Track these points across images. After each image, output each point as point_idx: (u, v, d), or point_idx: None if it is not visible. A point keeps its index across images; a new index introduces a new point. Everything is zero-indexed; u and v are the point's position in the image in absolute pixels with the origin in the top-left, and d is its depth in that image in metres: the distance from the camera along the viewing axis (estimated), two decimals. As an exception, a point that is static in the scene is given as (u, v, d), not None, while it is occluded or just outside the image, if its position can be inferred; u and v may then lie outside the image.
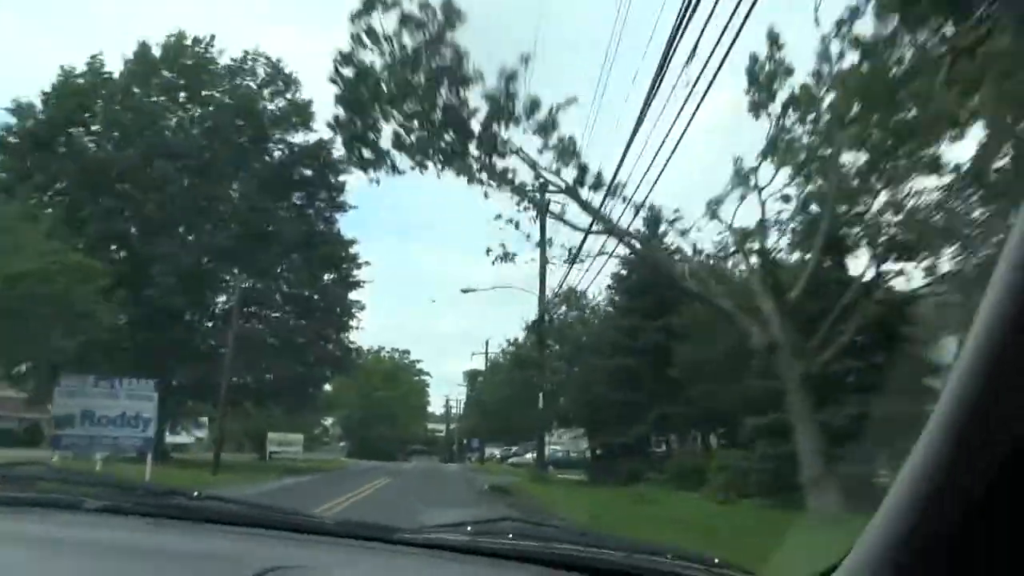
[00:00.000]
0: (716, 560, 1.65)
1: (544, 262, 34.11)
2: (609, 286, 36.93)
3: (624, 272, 34.74)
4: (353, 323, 43.02)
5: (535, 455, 53.91)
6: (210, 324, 38.90)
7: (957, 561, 0.84)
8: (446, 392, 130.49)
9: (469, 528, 1.81)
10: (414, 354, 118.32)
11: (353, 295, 42.51)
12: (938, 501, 0.83)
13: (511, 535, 1.76)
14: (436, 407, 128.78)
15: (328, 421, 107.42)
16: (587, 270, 38.20)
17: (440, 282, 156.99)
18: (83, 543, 1.46)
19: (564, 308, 34.81)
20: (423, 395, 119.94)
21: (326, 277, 41.14)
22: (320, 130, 37.77)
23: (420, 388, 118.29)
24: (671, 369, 28.54)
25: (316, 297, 40.47)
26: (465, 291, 40.92)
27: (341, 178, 40.03)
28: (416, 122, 18.47)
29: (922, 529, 0.85)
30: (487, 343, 73.56)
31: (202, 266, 36.15)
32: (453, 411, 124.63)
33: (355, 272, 41.88)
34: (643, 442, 32.97)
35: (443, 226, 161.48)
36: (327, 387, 48.10)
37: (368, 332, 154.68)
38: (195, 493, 1.96)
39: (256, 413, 53.62)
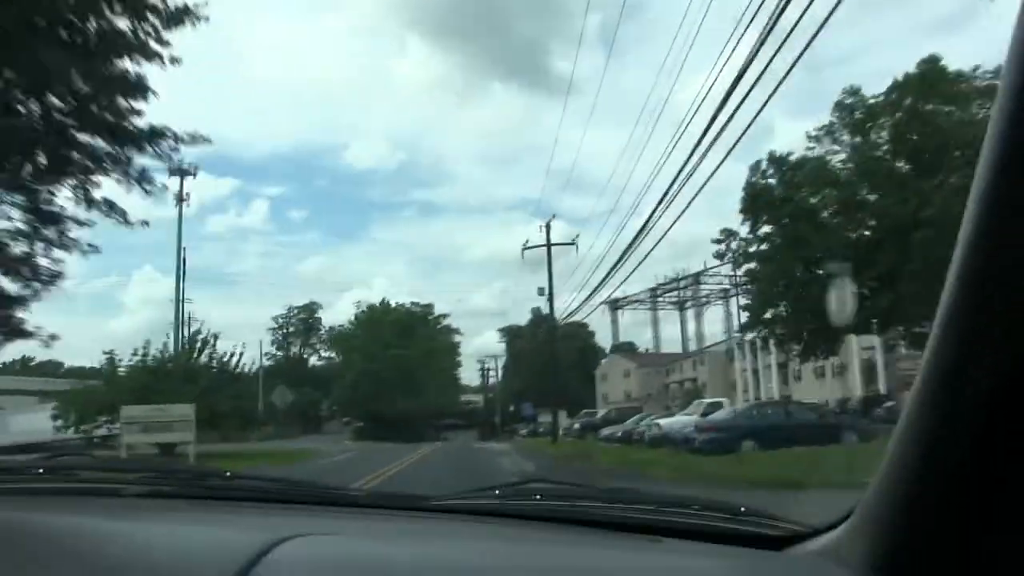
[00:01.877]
0: (743, 508, 1.58)
1: None
2: None
3: None
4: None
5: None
6: None
7: (959, 509, 0.85)
8: (478, 365, 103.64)
9: (497, 492, 1.81)
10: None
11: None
12: (931, 452, 0.85)
13: (538, 496, 1.78)
14: (468, 379, 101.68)
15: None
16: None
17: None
18: (123, 529, 1.41)
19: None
20: (453, 356, 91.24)
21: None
22: None
23: (449, 347, 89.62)
24: None
25: None
26: None
27: None
28: None
29: (929, 474, 0.87)
30: (549, 252, 43.69)
31: None
32: (491, 375, 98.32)
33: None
34: None
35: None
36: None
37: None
38: (227, 473, 2.01)
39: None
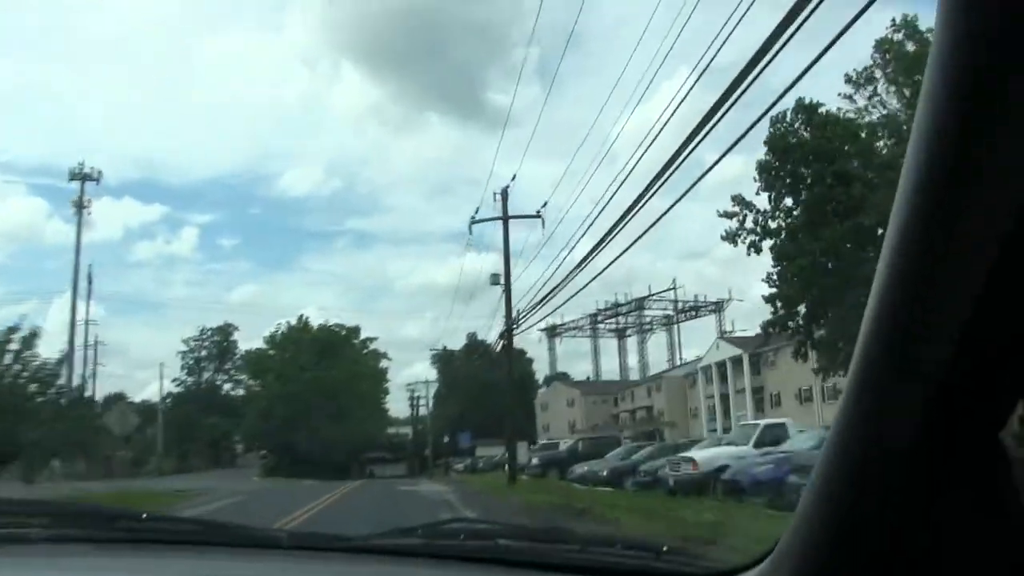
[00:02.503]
0: (665, 547, 1.56)
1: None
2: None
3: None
4: None
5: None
6: None
7: (881, 542, 0.86)
8: (407, 396, 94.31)
9: (419, 532, 1.75)
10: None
11: None
12: (853, 484, 0.86)
13: (462, 536, 1.74)
14: (396, 411, 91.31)
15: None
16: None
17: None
18: None
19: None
20: (380, 382, 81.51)
21: None
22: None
23: (376, 373, 79.87)
24: None
25: None
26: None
27: None
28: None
29: (845, 510, 0.88)
30: (505, 225, 33.04)
31: None
32: (421, 405, 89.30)
33: None
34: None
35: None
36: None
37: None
38: (143, 515, 1.88)
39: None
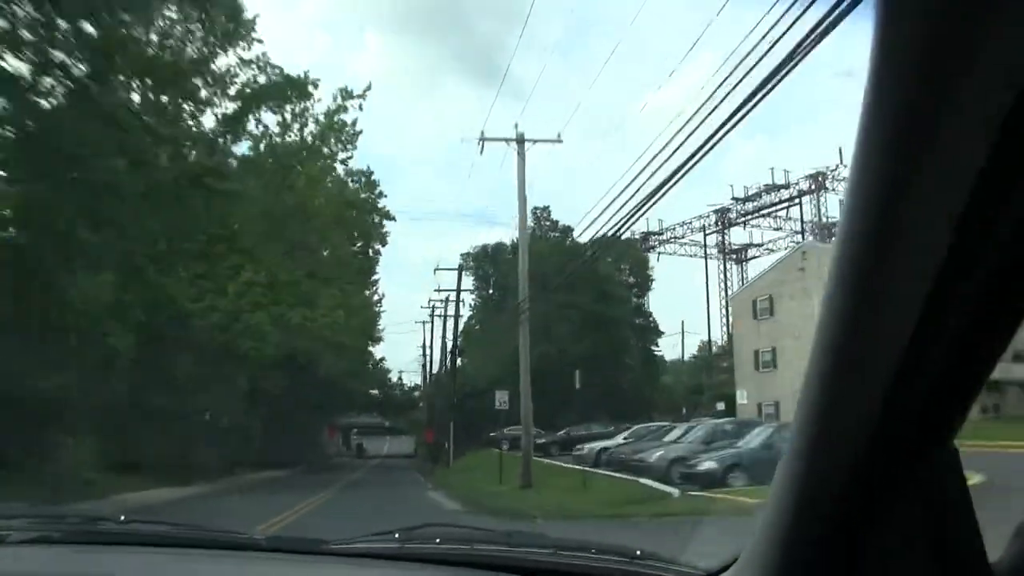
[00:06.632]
0: (638, 552, 1.58)
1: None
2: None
3: None
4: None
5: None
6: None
7: (840, 547, 0.88)
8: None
9: (396, 535, 1.72)
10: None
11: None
12: (813, 491, 0.88)
13: (438, 540, 1.72)
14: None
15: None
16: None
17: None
18: None
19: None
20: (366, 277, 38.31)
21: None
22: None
23: (361, 266, 36.14)
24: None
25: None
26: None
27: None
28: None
29: (803, 517, 0.90)
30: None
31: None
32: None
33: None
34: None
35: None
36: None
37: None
38: (121, 518, 1.87)
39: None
